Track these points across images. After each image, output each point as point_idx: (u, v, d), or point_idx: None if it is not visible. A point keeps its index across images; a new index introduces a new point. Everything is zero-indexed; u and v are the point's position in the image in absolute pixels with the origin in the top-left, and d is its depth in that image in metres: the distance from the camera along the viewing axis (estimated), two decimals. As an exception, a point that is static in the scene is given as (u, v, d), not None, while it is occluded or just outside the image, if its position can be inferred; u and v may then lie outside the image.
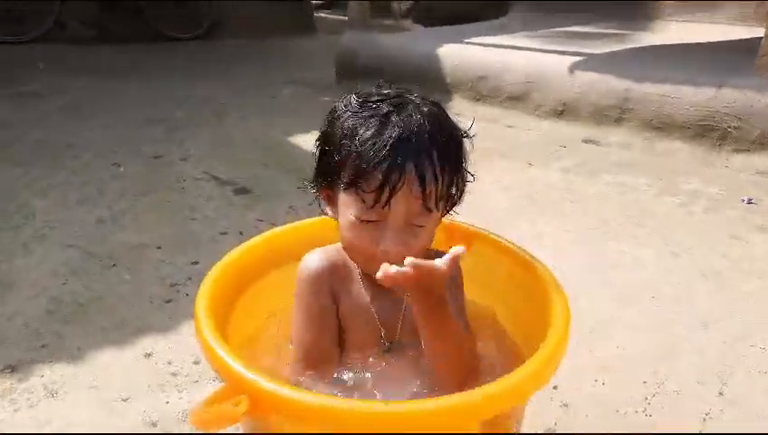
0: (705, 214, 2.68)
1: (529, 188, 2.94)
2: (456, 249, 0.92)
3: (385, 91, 1.07)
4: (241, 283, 1.15)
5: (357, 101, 1.06)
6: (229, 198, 2.77)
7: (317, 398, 0.75)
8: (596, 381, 1.61)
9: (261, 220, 2.54)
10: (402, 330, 1.11)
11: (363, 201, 1.00)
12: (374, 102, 1.04)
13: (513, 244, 1.20)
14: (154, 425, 1.46)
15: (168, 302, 1.97)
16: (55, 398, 1.55)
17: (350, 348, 1.11)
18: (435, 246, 1.11)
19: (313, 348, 1.08)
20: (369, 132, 1.00)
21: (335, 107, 1.08)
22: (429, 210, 1.01)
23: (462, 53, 4.47)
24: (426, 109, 1.05)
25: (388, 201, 0.97)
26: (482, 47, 4.52)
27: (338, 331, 1.11)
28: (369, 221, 1.01)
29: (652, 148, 3.45)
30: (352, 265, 1.14)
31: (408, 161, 0.97)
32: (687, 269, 2.20)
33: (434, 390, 0.99)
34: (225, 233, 2.43)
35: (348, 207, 1.03)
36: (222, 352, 0.84)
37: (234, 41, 7.11)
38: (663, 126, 3.49)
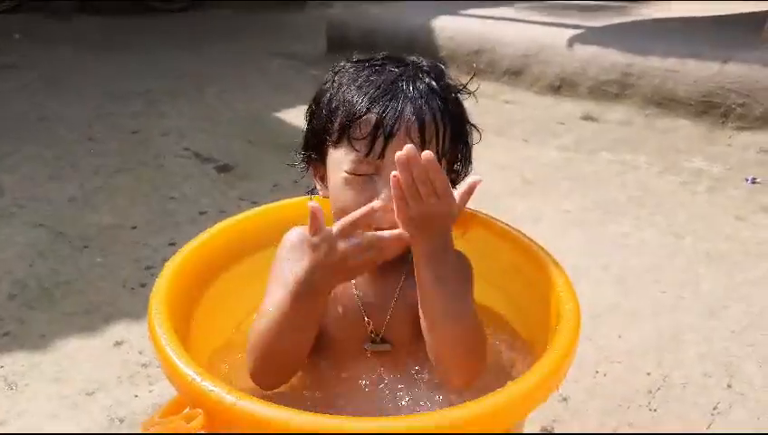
0: (708, 194, 2.57)
1: (526, 167, 2.81)
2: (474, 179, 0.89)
3: (381, 54, 1.01)
4: (207, 273, 1.02)
5: (350, 62, 0.99)
6: (210, 176, 2.63)
7: (283, 413, 0.63)
8: (597, 372, 1.51)
9: (243, 199, 2.41)
10: (391, 322, 0.97)
11: (355, 150, 0.88)
12: (369, 59, 0.98)
13: (517, 230, 1.07)
14: (121, 422, 1.35)
15: (143, 286, 1.85)
16: (15, 390, 1.44)
17: (329, 337, 0.99)
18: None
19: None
20: (361, 79, 0.93)
21: (326, 76, 1.00)
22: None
23: (457, 25, 4.29)
24: (425, 63, 0.98)
25: (383, 148, 0.86)
26: (478, 19, 4.35)
27: None
28: (362, 175, 0.89)
29: (653, 125, 3.32)
30: None
31: (406, 102, 0.88)
32: (691, 252, 2.09)
33: (421, 399, 0.86)
34: (204, 212, 2.30)
35: (338, 163, 0.91)
36: (176, 357, 0.72)
37: (219, 12, 6.86)
38: (665, 102, 3.36)
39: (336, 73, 0.97)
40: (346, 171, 0.90)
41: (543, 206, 2.41)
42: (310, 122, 1.00)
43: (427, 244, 0.85)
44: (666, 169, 2.80)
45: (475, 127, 1.02)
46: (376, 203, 0.84)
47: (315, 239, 0.83)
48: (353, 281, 0.98)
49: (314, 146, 0.98)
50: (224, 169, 2.70)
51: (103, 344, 1.60)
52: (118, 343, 1.61)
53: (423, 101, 0.89)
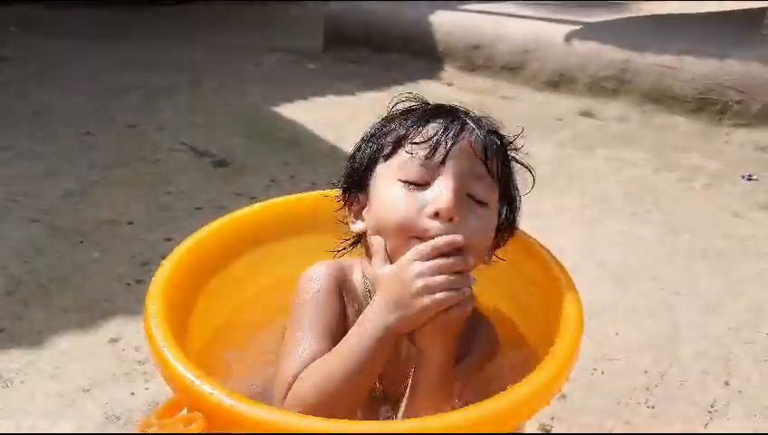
0: (705, 190, 2.57)
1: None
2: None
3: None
4: (205, 270, 1.01)
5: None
6: (207, 171, 2.62)
7: (283, 416, 0.62)
8: (595, 370, 1.51)
9: (240, 194, 2.39)
10: (404, 385, 0.87)
11: (412, 154, 0.84)
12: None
13: (522, 232, 1.06)
14: (117, 419, 1.34)
15: (139, 282, 1.84)
16: (10, 387, 1.43)
17: None
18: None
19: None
20: (418, 110, 0.91)
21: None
22: (492, 176, 0.86)
23: (455, 19, 4.28)
24: (478, 113, 0.95)
25: (446, 153, 0.82)
26: (476, 14, 4.33)
27: None
28: (416, 184, 0.83)
29: (650, 121, 3.33)
30: (361, 286, 0.94)
31: (467, 120, 0.87)
32: (688, 249, 2.10)
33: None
34: (201, 208, 2.28)
35: (392, 173, 0.85)
36: (175, 360, 0.71)
37: (216, 5, 6.81)
38: (662, 99, 3.36)
39: (386, 116, 0.95)
40: (400, 179, 0.84)
41: (540, 202, 2.41)
42: (354, 157, 0.95)
43: (439, 353, 0.80)
44: (663, 166, 2.80)
45: (531, 171, 0.96)
46: (458, 237, 0.77)
47: (387, 270, 0.78)
48: None
49: (357, 176, 0.93)
50: (220, 163, 2.69)
51: (99, 341, 1.59)
52: (114, 340, 1.60)
53: (482, 129, 0.88)
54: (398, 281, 0.78)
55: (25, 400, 1.39)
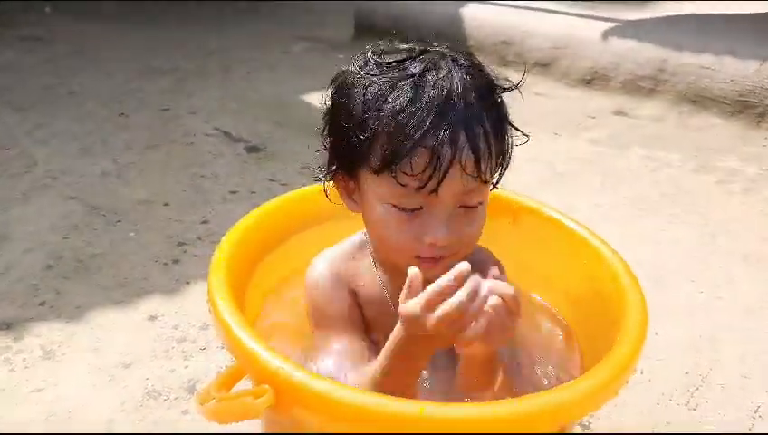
0: (743, 194, 2.52)
1: (556, 160, 2.78)
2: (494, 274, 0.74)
3: (407, 47, 0.86)
4: (259, 249, 1.01)
5: (375, 61, 0.85)
6: (240, 156, 2.63)
7: (357, 395, 0.62)
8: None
9: (273, 180, 2.40)
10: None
11: (403, 185, 0.79)
12: (398, 61, 0.83)
13: (569, 217, 1.05)
14: (158, 394, 1.36)
15: (176, 262, 1.86)
16: (52, 360, 1.45)
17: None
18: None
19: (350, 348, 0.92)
20: (401, 99, 0.79)
21: (346, 72, 0.88)
22: (485, 183, 0.83)
23: (486, 13, 4.23)
24: (464, 61, 0.84)
25: (438, 184, 0.78)
26: (508, 8, 4.28)
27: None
28: (412, 210, 0.81)
29: (686, 122, 3.26)
30: (366, 265, 0.98)
31: (459, 131, 0.77)
32: (727, 252, 2.06)
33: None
34: (235, 192, 2.29)
35: (381, 194, 0.83)
36: (244, 335, 0.70)
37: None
38: (699, 99, 3.29)
39: (359, 79, 0.84)
40: (392, 204, 0.82)
41: (574, 199, 2.38)
42: (335, 140, 0.90)
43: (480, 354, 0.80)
44: (699, 168, 2.75)
45: (520, 130, 0.91)
46: (462, 295, 0.70)
47: (411, 311, 0.73)
48: (390, 301, 0.95)
49: (344, 164, 0.89)
50: (253, 149, 2.69)
51: (138, 318, 1.61)
52: (152, 318, 1.61)
53: (476, 121, 0.79)
54: (420, 326, 0.73)
55: (68, 372, 1.41)
